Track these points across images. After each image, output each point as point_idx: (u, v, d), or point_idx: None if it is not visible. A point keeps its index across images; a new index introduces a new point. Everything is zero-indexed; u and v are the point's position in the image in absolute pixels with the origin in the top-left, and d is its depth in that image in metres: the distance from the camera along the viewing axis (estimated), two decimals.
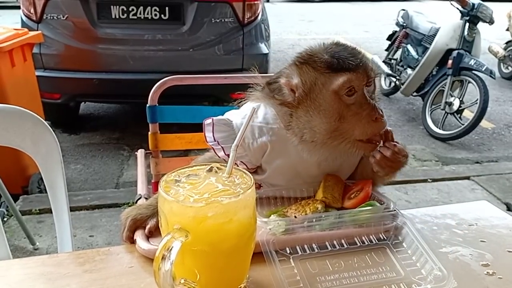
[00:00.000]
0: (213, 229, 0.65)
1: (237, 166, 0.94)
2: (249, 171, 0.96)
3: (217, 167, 0.74)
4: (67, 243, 1.33)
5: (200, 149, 1.05)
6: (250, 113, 0.79)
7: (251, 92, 1.01)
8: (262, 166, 0.99)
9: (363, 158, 1.00)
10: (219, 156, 0.95)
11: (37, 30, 3.42)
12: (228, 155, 0.92)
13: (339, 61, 0.86)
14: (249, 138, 0.95)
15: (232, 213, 0.66)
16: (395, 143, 0.90)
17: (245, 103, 1.01)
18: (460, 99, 4.43)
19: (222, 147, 0.94)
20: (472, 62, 4.29)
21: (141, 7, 3.67)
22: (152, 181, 1.66)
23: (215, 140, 0.95)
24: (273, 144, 0.95)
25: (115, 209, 2.89)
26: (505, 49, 6.47)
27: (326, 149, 0.91)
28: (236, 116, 1.00)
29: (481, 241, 0.89)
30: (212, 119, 0.97)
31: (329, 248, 0.81)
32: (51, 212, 1.34)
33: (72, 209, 2.33)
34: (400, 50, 5.38)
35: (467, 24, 4.48)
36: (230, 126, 0.97)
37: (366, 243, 0.83)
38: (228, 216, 0.66)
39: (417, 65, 4.84)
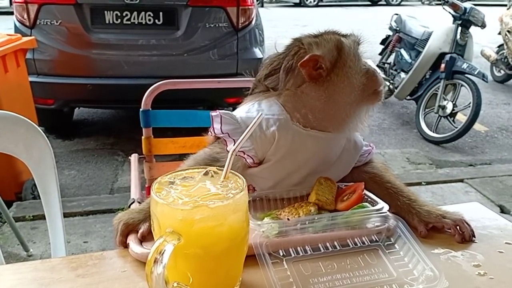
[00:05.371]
0: (205, 232, 0.65)
1: (244, 157, 0.95)
2: (254, 166, 0.97)
3: (214, 171, 0.74)
4: (60, 249, 1.33)
5: (194, 153, 1.05)
6: (256, 118, 0.79)
7: (251, 92, 1.04)
8: (265, 158, 0.99)
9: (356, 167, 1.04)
10: (227, 151, 0.94)
11: (31, 35, 3.42)
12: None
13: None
14: (256, 131, 0.95)
15: (222, 217, 0.66)
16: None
17: (247, 103, 1.02)
18: (453, 102, 4.46)
19: (233, 139, 0.94)
20: (464, 65, 4.33)
21: (135, 12, 3.68)
22: (146, 185, 1.65)
23: (223, 133, 0.95)
24: (280, 135, 0.95)
25: (110, 214, 2.88)
26: (497, 52, 6.53)
27: (344, 117, 0.97)
28: (239, 110, 1.01)
29: (472, 242, 0.89)
30: (219, 111, 0.98)
31: (322, 250, 0.81)
32: (45, 219, 1.33)
33: (66, 215, 2.32)
34: (394, 54, 5.42)
35: (460, 28, 4.53)
36: (235, 119, 0.97)
37: (359, 244, 0.83)
38: (219, 220, 0.65)
39: (410, 69, 4.88)
